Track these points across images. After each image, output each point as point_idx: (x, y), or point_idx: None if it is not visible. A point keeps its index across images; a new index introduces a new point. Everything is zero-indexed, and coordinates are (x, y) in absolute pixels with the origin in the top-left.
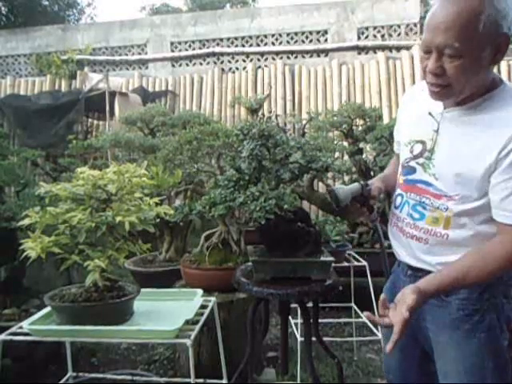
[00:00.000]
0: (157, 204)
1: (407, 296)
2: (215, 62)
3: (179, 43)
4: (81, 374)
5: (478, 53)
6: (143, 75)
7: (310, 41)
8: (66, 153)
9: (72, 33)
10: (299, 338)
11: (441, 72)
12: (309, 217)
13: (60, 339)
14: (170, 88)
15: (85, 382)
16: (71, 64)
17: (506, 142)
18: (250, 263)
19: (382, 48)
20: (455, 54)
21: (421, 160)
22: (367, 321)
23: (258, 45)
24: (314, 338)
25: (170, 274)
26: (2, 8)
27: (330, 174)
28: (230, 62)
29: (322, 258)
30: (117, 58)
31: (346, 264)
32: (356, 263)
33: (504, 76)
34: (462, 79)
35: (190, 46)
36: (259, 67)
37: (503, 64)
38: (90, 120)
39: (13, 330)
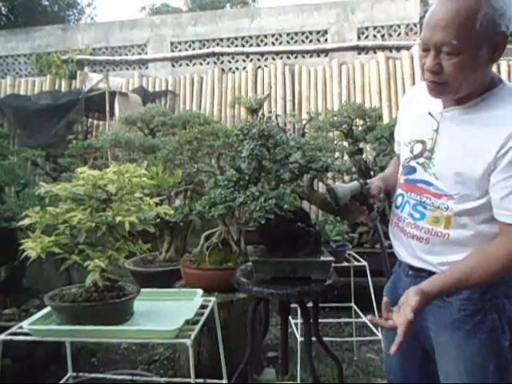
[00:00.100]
0: (157, 204)
1: (410, 298)
2: (215, 62)
3: (179, 43)
4: (81, 373)
5: (476, 50)
6: (143, 75)
7: (310, 41)
8: (66, 153)
9: (72, 33)
10: (299, 338)
11: (438, 69)
12: (309, 217)
13: (60, 339)
14: (170, 88)
15: (85, 382)
16: (71, 64)
17: (504, 141)
18: (249, 263)
19: (382, 48)
20: (453, 52)
21: (421, 160)
22: (367, 321)
23: (258, 45)
24: (314, 338)
25: (170, 274)
26: (2, 8)
27: (329, 174)
28: (230, 61)
29: (322, 258)
30: (117, 58)
31: (346, 264)
32: (356, 263)
33: (504, 76)
34: (460, 77)
35: (190, 45)
36: (259, 67)
37: (503, 64)
38: (90, 120)
39: (13, 330)
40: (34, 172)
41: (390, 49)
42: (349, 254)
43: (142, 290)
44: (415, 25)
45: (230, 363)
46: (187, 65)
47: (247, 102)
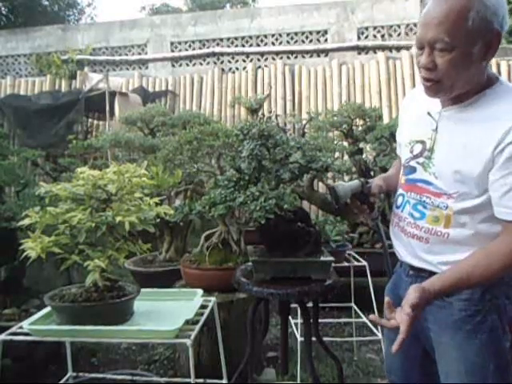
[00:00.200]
0: (157, 204)
1: (410, 295)
2: (215, 62)
3: (179, 43)
4: (81, 374)
5: (468, 47)
6: (143, 75)
7: (310, 41)
8: (66, 153)
9: (72, 33)
10: (299, 338)
11: (432, 66)
12: (309, 217)
13: (60, 339)
14: (170, 88)
15: (85, 382)
16: (71, 64)
17: (500, 138)
18: (250, 263)
19: (382, 48)
20: (446, 48)
21: (421, 159)
22: (367, 321)
23: (258, 45)
24: (314, 338)
25: (170, 274)
26: (2, 8)
27: (329, 174)
28: (230, 62)
29: (322, 258)
30: (117, 58)
31: (346, 264)
32: (356, 263)
33: (504, 76)
34: (453, 73)
35: (190, 45)
36: (259, 67)
37: (503, 64)
38: (90, 120)
39: (13, 330)
40: (34, 172)
41: (390, 49)
42: (349, 254)
43: (142, 290)
44: (415, 25)
45: (230, 363)
46: (187, 65)
47: (247, 102)
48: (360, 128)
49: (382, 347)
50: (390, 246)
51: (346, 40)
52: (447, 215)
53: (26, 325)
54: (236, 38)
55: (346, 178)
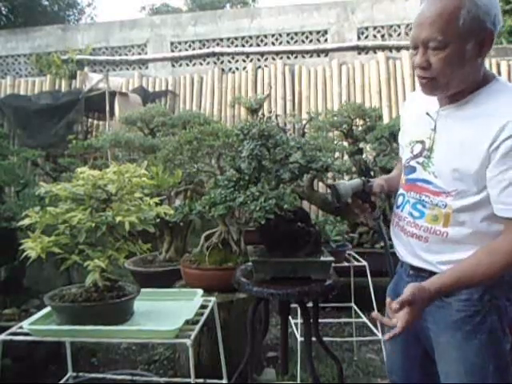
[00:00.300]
0: (157, 204)
1: (404, 292)
2: (215, 62)
3: (179, 43)
4: (81, 373)
5: (461, 45)
6: (143, 75)
7: (310, 41)
8: (65, 153)
9: (72, 33)
10: (299, 338)
11: (427, 65)
12: (309, 217)
13: (60, 339)
14: (170, 88)
15: (85, 382)
16: (71, 64)
17: (495, 135)
18: (250, 263)
19: (382, 48)
20: (439, 47)
21: (420, 159)
22: (367, 321)
23: (258, 45)
24: (314, 338)
25: (170, 274)
26: (2, 8)
27: (329, 174)
28: (230, 62)
29: (322, 258)
30: (117, 58)
31: (346, 264)
32: (356, 263)
33: (504, 76)
34: (447, 70)
35: (190, 45)
36: (259, 67)
37: (503, 64)
38: (90, 120)
39: (13, 330)
40: (34, 172)
41: (390, 49)
42: (349, 254)
43: (142, 290)
44: None
45: (230, 363)
46: (187, 65)
47: (247, 102)
48: (360, 128)
49: (382, 347)
50: (392, 246)
51: (346, 40)
52: (446, 214)
53: (26, 325)
54: (236, 38)
55: (346, 177)
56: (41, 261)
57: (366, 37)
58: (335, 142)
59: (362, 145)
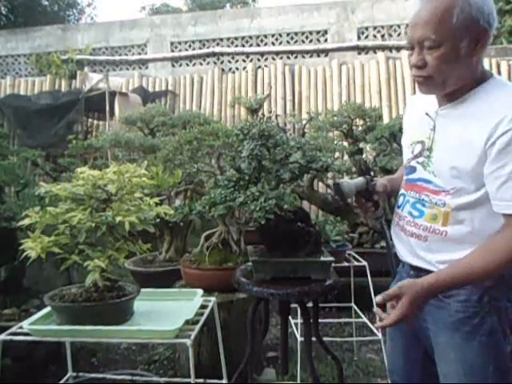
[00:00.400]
0: (157, 204)
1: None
2: (215, 62)
3: (179, 43)
4: (81, 373)
5: (455, 43)
6: (143, 75)
7: (310, 41)
8: (65, 153)
9: (72, 33)
10: (299, 338)
11: (423, 64)
12: (309, 217)
13: (60, 339)
14: (170, 88)
15: (85, 382)
16: (71, 64)
17: (491, 131)
18: (249, 263)
19: (382, 48)
20: (433, 45)
21: (421, 159)
22: (367, 321)
23: (258, 45)
24: (314, 338)
25: (170, 274)
26: (2, 8)
27: (329, 174)
28: (230, 62)
29: (322, 258)
30: (117, 58)
31: (346, 264)
32: (356, 263)
33: (504, 76)
34: (443, 68)
35: (190, 45)
36: (259, 67)
37: (503, 64)
38: (90, 120)
39: (13, 330)
40: (34, 172)
41: (390, 49)
42: (349, 254)
43: (142, 290)
44: None
45: (230, 363)
46: (187, 65)
47: (247, 102)
48: (360, 128)
49: (382, 347)
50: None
51: (346, 40)
52: (445, 212)
53: (26, 325)
54: (236, 38)
55: (346, 177)
56: (41, 261)
57: (366, 37)
58: (335, 142)
59: (362, 145)
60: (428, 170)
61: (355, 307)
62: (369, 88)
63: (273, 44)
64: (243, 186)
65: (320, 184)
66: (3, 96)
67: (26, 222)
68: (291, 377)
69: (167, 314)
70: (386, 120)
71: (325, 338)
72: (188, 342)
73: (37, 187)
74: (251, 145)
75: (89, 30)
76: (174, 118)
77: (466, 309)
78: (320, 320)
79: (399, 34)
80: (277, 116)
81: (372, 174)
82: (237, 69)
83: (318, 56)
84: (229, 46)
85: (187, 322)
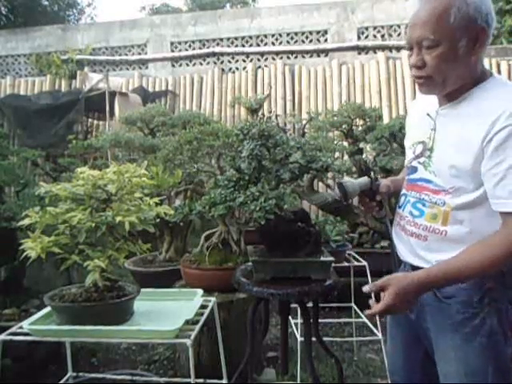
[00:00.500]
0: (157, 204)
1: None
2: (215, 62)
3: (179, 43)
4: (81, 373)
5: (453, 42)
6: (143, 75)
7: (310, 41)
8: (65, 153)
9: (72, 33)
10: (299, 338)
11: (422, 64)
12: (309, 217)
13: (60, 339)
14: (170, 88)
15: (85, 382)
16: (71, 64)
17: (488, 129)
18: (249, 263)
19: (382, 48)
20: (432, 45)
21: (422, 159)
22: (367, 321)
23: (258, 45)
24: (314, 338)
25: (170, 274)
26: (2, 8)
27: (330, 174)
28: (230, 62)
29: (322, 258)
30: (117, 58)
31: (346, 264)
32: (356, 263)
33: (504, 76)
34: (442, 67)
35: (190, 45)
36: (259, 67)
37: (503, 64)
38: (90, 120)
39: (13, 330)
40: (34, 172)
41: (390, 49)
42: (349, 254)
43: (142, 290)
44: None
45: (230, 363)
46: (187, 65)
47: (247, 102)
48: (360, 128)
49: (382, 347)
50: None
51: (346, 40)
52: (445, 212)
53: (25, 325)
54: (236, 38)
55: (346, 177)
56: (41, 261)
57: (366, 37)
58: (335, 142)
59: (362, 145)
60: (429, 170)
61: (355, 307)
62: (369, 88)
63: (273, 44)
64: (243, 186)
65: (320, 184)
66: (3, 96)
67: (26, 222)
68: (291, 377)
69: (167, 313)
70: (386, 120)
71: (325, 338)
72: (188, 341)
73: (37, 187)
74: (251, 145)
75: (89, 30)
76: (174, 118)
77: (466, 310)
78: (320, 320)
79: (399, 34)
80: (277, 116)
81: (372, 173)
82: (237, 69)
83: (318, 56)
84: (229, 46)
85: (187, 322)
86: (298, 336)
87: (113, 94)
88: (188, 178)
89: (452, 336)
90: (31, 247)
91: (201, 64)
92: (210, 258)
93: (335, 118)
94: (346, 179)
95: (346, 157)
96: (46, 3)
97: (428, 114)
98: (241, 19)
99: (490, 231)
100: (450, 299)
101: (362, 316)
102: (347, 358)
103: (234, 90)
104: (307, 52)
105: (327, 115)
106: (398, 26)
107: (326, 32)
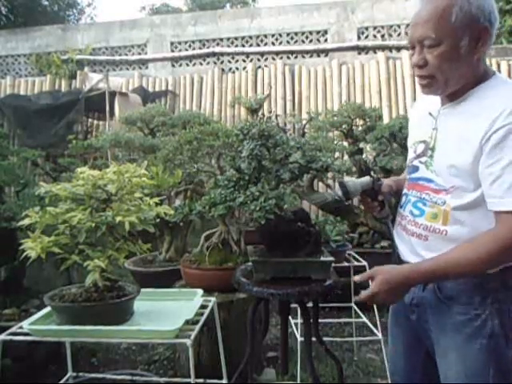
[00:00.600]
0: (157, 204)
1: None
2: (215, 62)
3: (179, 43)
4: (81, 373)
5: (455, 41)
6: (143, 75)
7: (310, 41)
8: (65, 153)
9: (72, 33)
10: (299, 338)
11: (424, 63)
12: (309, 217)
13: (60, 339)
14: (170, 88)
15: (85, 382)
16: (71, 64)
17: (487, 128)
18: (249, 263)
19: (382, 48)
20: (433, 44)
21: (424, 159)
22: (367, 321)
23: (258, 45)
24: (314, 338)
25: (170, 274)
26: (2, 8)
27: (330, 174)
28: (230, 62)
29: (322, 258)
30: (117, 58)
31: (346, 264)
32: (356, 263)
33: (504, 76)
34: (444, 67)
35: (190, 46)
36: (259, 67)
37: (503, 64)
38: (90, 120)
39: (13, 330)
40: (34, 172)
41: (390, 49)
42: (349, 254)
43: (142, 290)
44: None
45: (230, 363)
46: (187, 65)
47: (247, 102)
48: (360, 128)
49: (382, 347)
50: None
51: (346, 40)
52: (445, 211)
53: (25, 325)
54: (236, 38)
55: (346, 177)
56: (41, 261)
57: (366, 37)
58: (335, 142)
59: (362, 145)
60: (430, 170)
61: (355, 307)
62: (369, 88)
63: (273, 44)
64: (243, 186)
65: (320, 184)
66: (3, 96)
67: (26, 222)
68: (291, 377)
69: (167, 313)
70: (386, 120)
71: (325, 338)
72: (188, 341)
73: (37, 187)
74: (251, 145)
75: (89, 30)
76: (174, 118)
77: (468, 311)
78: (320, 320)
79: (399, 34)
80: (277, 116)
81: (372, 173)
82: (237, 69)
83: (318, 56)
84: (229, 46)
85: (187, 322)
86: (298, 336)
87: (113, 94)
88: (188, 177)
89: (453, 337)
90: (31, 247)
91: (201, 64)
92: (210, 258)
93: (335, 118)
94: (348, 179)
95: (346, 157)
96: (46, 3)
97: (430, 114)
98: (241, 19)
99: None
100: (451, 300)
101: (362, 316)
102: (347, 358)
103: (234, 90)
104: (307, 52)
105: (327, 115)
106: (398, 26)
107: (325, 32)
